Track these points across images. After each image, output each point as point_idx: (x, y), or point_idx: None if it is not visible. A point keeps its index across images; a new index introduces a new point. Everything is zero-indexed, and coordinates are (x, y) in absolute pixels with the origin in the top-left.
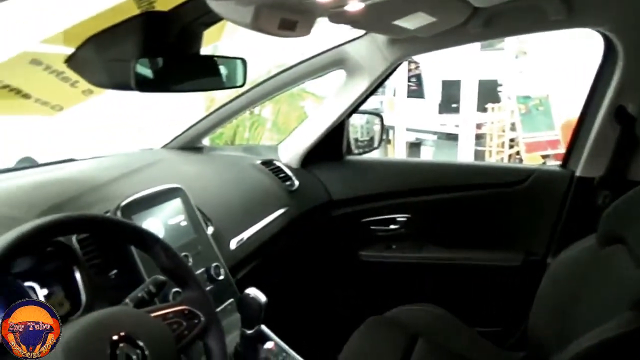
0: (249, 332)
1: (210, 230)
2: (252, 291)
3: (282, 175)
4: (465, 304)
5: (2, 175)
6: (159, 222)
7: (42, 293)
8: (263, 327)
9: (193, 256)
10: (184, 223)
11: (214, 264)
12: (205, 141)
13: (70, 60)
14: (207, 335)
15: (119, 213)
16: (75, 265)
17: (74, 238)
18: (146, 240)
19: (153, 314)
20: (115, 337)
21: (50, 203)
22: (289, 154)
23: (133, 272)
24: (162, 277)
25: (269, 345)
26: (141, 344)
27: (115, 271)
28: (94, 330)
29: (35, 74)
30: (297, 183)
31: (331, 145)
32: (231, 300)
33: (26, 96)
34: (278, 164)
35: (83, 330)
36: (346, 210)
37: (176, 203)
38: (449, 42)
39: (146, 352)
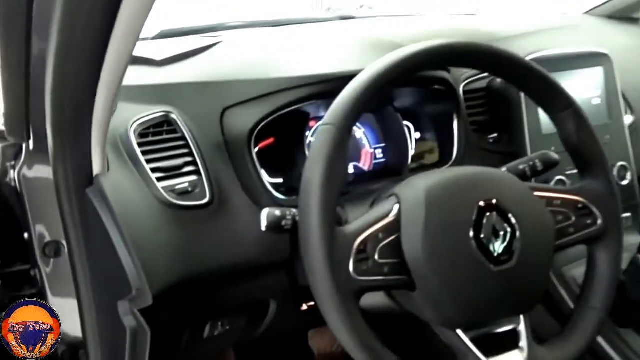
0: None
1: (628, 120)
2: None
3: None
4: None
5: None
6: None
7: (415, 136)
8: None
9: None
10: (596, 101)
11: (621, 163)
12: None
13: None
14: (600, 244)
15: None
16: (456, 115)
17: (461, 87)
18: (558, 97)
19: (536, 193)
20: (482, 203)
21: None
22: None
23: (516, 142)
24: (554, 155)
25: None
26: (513, 221)
27: (495, 135)
28: (463, 184)
29: None
30: None
31: None
32: (629, 215)
33: None
34: None
35: (452, 180)
36: None
37: (595, 73)
38: None
39: (517, 233)
